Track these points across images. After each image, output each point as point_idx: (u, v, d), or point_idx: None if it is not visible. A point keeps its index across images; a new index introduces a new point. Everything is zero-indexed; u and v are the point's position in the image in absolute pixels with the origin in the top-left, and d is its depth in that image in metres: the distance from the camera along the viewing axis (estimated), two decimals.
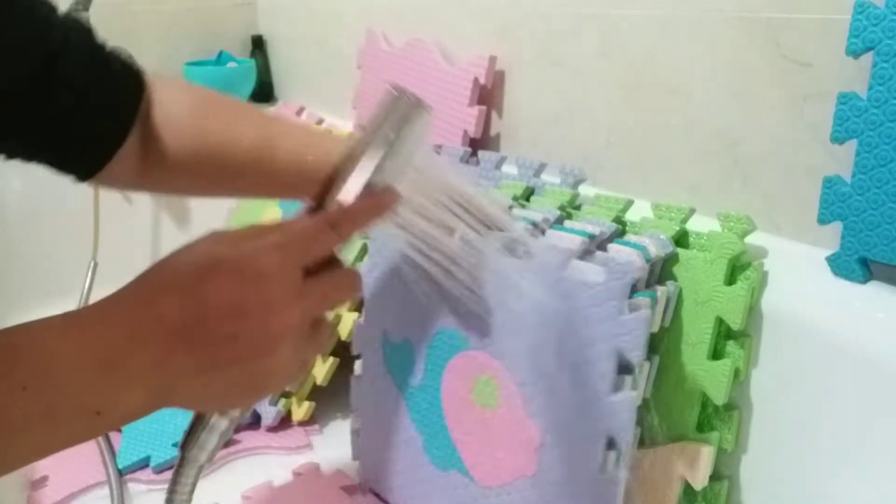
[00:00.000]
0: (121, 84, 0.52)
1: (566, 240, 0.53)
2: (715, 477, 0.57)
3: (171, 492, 0.39)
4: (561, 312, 0.51)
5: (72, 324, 0.32)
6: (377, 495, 0.71)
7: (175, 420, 0.82)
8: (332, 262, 0.35)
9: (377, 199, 0.36)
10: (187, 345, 0.31)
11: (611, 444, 0.50)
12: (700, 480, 0.55)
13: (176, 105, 0.55)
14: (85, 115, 0.50)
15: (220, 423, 0.37)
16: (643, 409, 0.59)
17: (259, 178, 0.56)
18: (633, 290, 0.51)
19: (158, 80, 0.56)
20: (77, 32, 0.49)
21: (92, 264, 1.08)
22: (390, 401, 0.66)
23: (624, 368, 0.50)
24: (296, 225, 0.34)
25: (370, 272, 0.67)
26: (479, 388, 0.57)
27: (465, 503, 0.60)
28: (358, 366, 0.71)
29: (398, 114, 0.35)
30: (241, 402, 0.35)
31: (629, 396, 0.49)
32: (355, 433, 0.72)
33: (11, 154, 0.49)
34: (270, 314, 0.32)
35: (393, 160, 0.35)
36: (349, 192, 0.35)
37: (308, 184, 0.55)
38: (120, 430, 0.81)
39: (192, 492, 0.40)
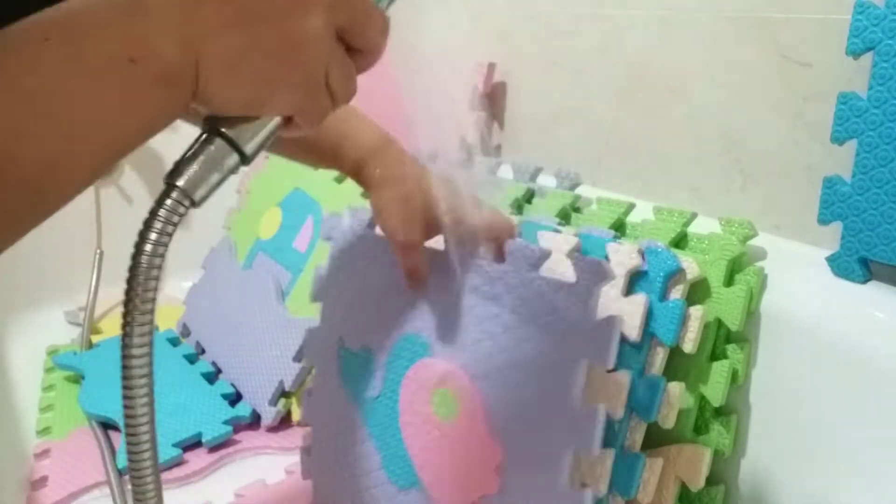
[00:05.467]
0: None
1: (546, 239, 0.49)
2: (712, 481, 0.57)
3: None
4: (530, 315, 0.47)
5: None
6: None
7: (174, 420, 0.82)
8: None
9: None
10: None
11: (578, 460, 0.46)
12: (697, 482, 0.55)
13: None
14: None
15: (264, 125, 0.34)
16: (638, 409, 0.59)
17: (299, 145, 0.54)
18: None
19: None
20: None
21: (98, 252, 1.09)
22: (346, 415, 0.60)
23: (595, 377, 0.46)
24: None
25: (330, 275, 0.63)
26: (438, 399, 0.53)
27: None
28: (311, 378, 0.66)
29: None
30: (266, 81, 0.33)
31: (599, 407, 0.45)
32: (305, 451, 0.66)
33: None
34: None
35: None
36: None
37: (342, 161, 0.53)
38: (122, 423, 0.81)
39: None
